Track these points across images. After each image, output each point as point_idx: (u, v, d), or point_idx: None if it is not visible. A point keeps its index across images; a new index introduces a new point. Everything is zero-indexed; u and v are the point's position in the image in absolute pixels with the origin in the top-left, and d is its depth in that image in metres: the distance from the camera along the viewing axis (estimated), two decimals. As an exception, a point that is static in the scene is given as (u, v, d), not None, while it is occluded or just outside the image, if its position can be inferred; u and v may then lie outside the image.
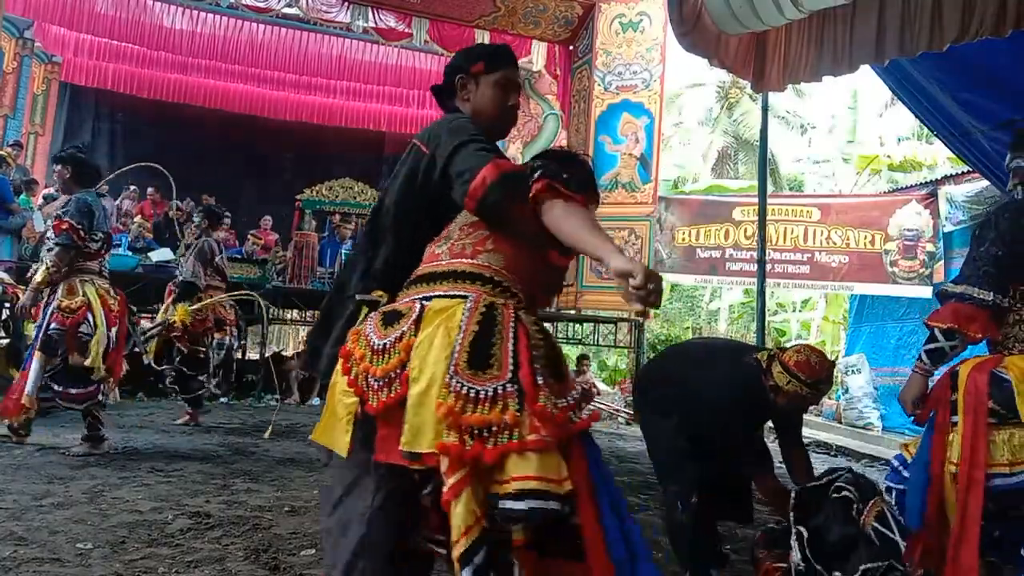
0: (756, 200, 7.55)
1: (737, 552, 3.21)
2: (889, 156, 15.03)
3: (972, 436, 2.14)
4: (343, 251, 9.19)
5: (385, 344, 1.53)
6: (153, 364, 5.57)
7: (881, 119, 17.75)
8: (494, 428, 1.41)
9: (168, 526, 3.06)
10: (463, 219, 1.71)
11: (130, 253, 8.25)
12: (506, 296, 1.61)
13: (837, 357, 9.62)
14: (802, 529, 2.34)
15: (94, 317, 4.33)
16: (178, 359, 5.51)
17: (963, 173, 8.75)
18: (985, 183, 7.41)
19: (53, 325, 4.23)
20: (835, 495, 2.35)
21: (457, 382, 1.44)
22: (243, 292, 6.24)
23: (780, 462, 3.01)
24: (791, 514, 2.41)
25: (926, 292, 9.07)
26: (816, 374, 2.56)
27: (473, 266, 1.63)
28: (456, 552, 1.39)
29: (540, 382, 1.47)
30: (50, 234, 4.41)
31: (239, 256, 9.51)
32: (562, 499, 1.40)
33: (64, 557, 2.59)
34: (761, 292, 6.96)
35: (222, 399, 7.40)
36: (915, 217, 9.39)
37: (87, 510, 3.19)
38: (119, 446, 4.70)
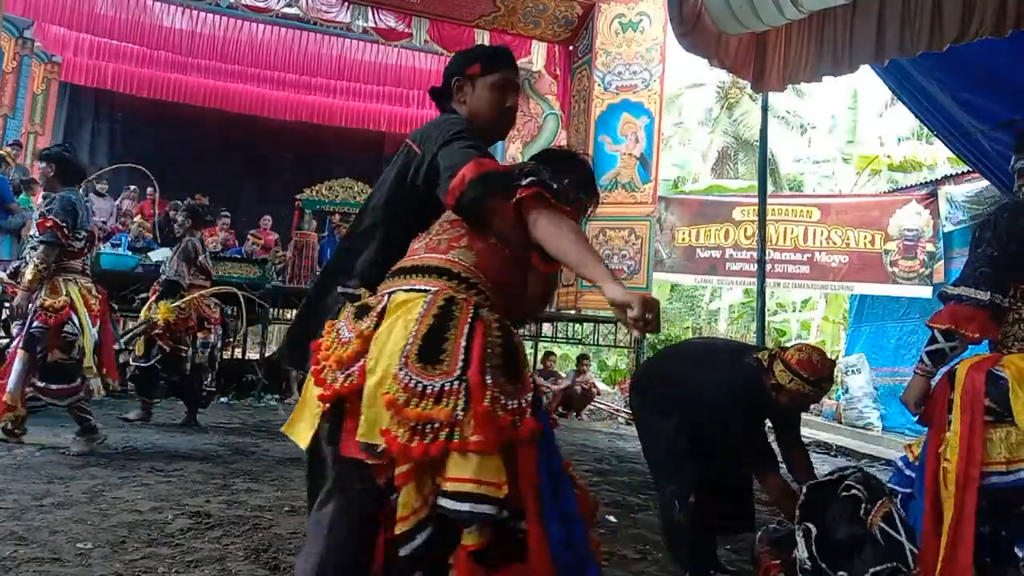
0: (756, 200, 7.56)
1: (737, 552, 3.21)
2: (889, 156, 15.04)
3: (968, 434, 2.14)
4: (342, 251, 9.17)
5: (350, 336, 1.54)
6: (133, 362, 5.56)
7: (881, 119, 17.78)
8: (436, 425, 1.39)
9: (168, 526, 3.06)
10: (446, 215, 1.71)
11: (130, 253, 8.24)
12: (472, 293, 1.59)
13: (837, 357, 9.62)
14: (810, 526, 2.34)
15: (79, 317, 4.33)
16: (159, 357, 5.50)
17: (963, 173, 8.75)
18: (985, 183, 7.41)
19: (36, 324, 4.23)
20: (844, 493, 2.35)
21: (405, 374, 1.43)
22: (225, 288, 6.21)
23: (780, 462, 3.01)
24: (798, 511, 2.41)
25: (926, 292, 9.08)
26: (818, 372, 2.57)
27: (444, 261, 1.62)
28: (397, 530, 1.40)
29: (489, 381, 1.44)
30: (33, 232, 4.40)
31: (239, 256, 9.50)
32: (500, 503, 1.37)
33: (64, 557, 2.59)
34: (761, 292, 6.96)
35: (222, 399, 7.40)
36: (915, 217, 9.39)
37: (87, 510, 3.19)
38: (119, 446, 4.70)
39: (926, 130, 9.99)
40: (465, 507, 1.36)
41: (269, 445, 5.11)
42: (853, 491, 2.34)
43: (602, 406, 9.84)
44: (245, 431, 5.79)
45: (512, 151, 11.29)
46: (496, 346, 1.51)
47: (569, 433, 7.64)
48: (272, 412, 7.12)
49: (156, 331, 5.46)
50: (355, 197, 9.37)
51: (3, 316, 6.65)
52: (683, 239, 10.35)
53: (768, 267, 8.08)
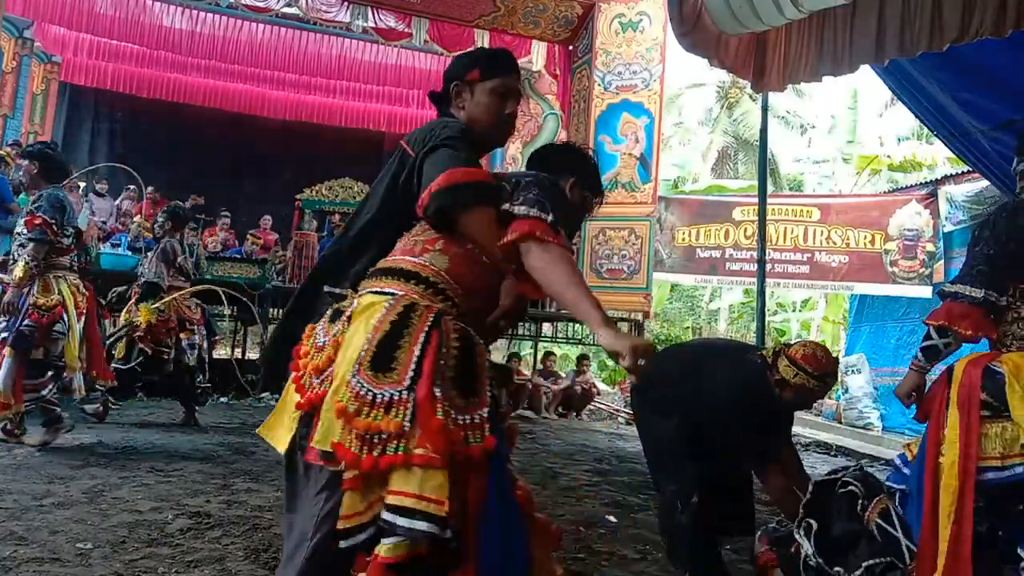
0: (756, 200, 7.55)
1: (737, 552, 3.21)
2: (889, 156, 15.04)
3: (965, 429, 2.15)
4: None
5: (325, 341, 1.53)
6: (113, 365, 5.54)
7: (881, 119, 17.78)
8: (385, 436, 1.37)
9: (168, 526, 3.06)
10: None
11: (130, 253, 8.24)
12: (438, 299, 1.56)
13: (837, 357, 9.61)
14: (812, 521, 2.34)
15: (68, 316, 4.35)
16: (139, 360, 5.49)
17: (963, 173, 8.75)
18: (985, 183, 7.41)
19: (27, 322, 4.24)
20: (841, 490, 2.36)
21: (357, 382, 1.41)
22: (206, 287, 6.20)
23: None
24: (803, 509, 2.42)
25: (926, 292, 9.08)
26: (823, 367, 2.58)
27: (415, 264, 1.59)
28: (339, 525, 1.38)
29: (438, 394, 1.40)
30: (20, 229, 4.39)
31: (239, 256, 9.50)
32: (441, 522, 1.34)
33: (64, 557, 2.59)
34: (761, 292, 6.96)
35: (222, 399, 7.40)
36: (915, 217, 9.39)
37: (87, 510, 3.19)
38: (119, 446, 4.70)
39: (926, 130, 9.99)
40: (402, 522, 1.33)
41: (269, 445, 5.09)
42: (850, 487, 2.35)
43: (602, 406, 9.84)
44: (245, 431, 5.79)
45: (512, 151, 11.30)
46: (451, 357, 1.47)
47: (569, 433, 7.64)
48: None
49: (137, 333, 5.45)
50: (355, 197, 9.38)
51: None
52: (683, 239, 10.34)
53: (768, 267, 8.07)
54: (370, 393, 1.40)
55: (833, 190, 16.37)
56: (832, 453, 7.85)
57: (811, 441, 8.19)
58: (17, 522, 2.93)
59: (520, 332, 10.55)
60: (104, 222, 9.52)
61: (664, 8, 6.90)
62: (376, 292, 1.56)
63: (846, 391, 9.59)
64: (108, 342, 5.41)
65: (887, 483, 2.52)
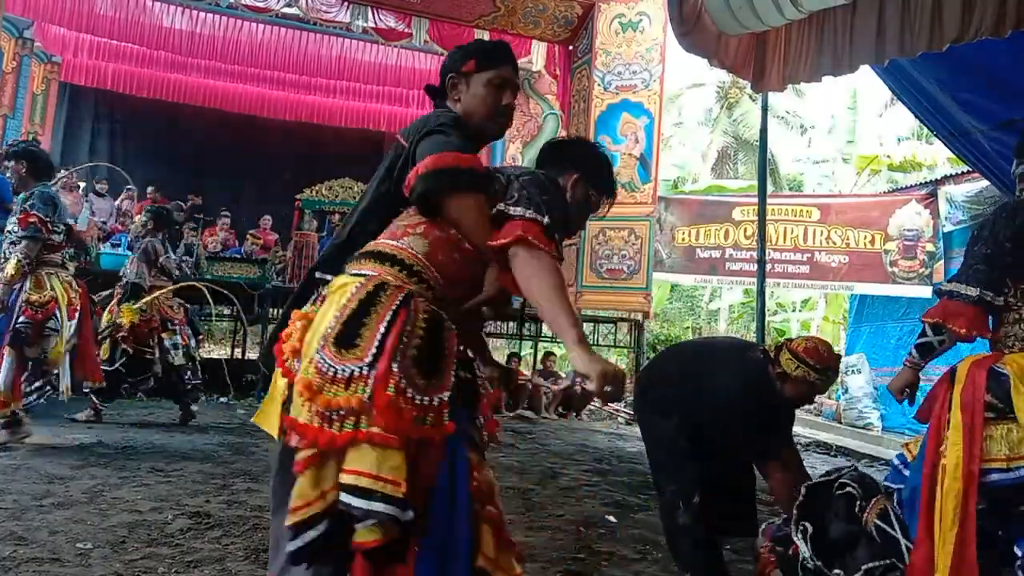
0: (756, 200, 7.55)
1: (737, 552, 3.21)
2: (889, 156, 15.04)
3: (969, 430, 2.14)
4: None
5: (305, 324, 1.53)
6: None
7: (881, 119, 17.77)
8: (343, 412, 1.35)
9: (168, 526, 3.06)
10: None
11: (130, 253, 8.24)
12: (412, 281, 1.54)
13: (839, 354, 9.61)
14: (807, 524, 2.34)
15: (60, 312, 4.35)
16: (123, 360, 5.49)
17: (963, 173, 8.76)
18: (985, 183, 7.41)
19: (23, 319, 4.25)
20: (839, 491, 2.35)
21: (320, 358, 1.41)
22: (187, 283, 6.18)
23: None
24: (796, 511, 2.42)
25: (926, 292, 9.08)
26: (824, 361, 2.60)
27: (393, 248, 1.59)
28: (288, 520, 1.35)
29: (395, 369, 1.38)
30: (12, 227, 4.38)
31: (239, 256, 9.51)
32: (400, 503, 1.32)
33: (64, 557, 2.59)
34: (761, 292, 6.95)
35: (222, 399, 7.40)
36: (915, 217, 9.39)
37: (87, 510, 3.19)
38: (119, 446, 4.70)
39: (926, 130, 9.99)
40: (359, 503, 1.31)
41: (269, 445, 5.09)
42: (848, 489, 2.34)
43: (602, 406, 9.84)
44: (245, 431, 5.79)
45: (512, 151, 11.31)
46: (416, 337, 1.44)
47: (569, 433, 7.64)
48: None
49: (120, 333, 5.45)
50: (355, 197, 9.38)
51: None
52: (683, 239, 10.34)
53: (768, 267, 8.07)
54: (332, 369, 1.39)
55: (833, 190, 16.37)
56: (832, 453, 7.84)
57: (811, 441, 8.19)
58: (17, 522, 2.93)
59: (520, 332, 10.56)
60: (104, 222, 9.52)
61: (664, 8, 6.90)
62: (352, 274, 1.57)
63: (846, 391, 9.59)
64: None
65: (884, 483, 2.52)
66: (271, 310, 8.23)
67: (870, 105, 17.64)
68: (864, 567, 2.17)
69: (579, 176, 1.85)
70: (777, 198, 11.06)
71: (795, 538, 2.39)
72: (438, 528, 1.38)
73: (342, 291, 1.50)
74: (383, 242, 1.62)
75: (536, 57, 10.85)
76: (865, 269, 9.70)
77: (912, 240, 9.39)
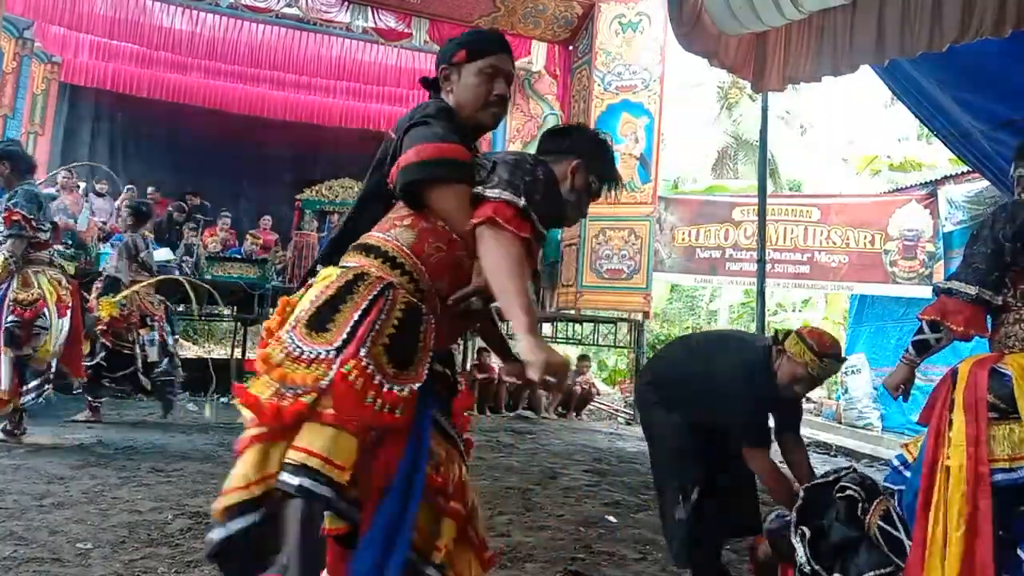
0: (756, 200, 7.56)
1: (737, 552, 3.21)
2: (889, 156, 15.05)
3: (975, 431, 2.14)
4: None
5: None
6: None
7: (881, 119, 17.76)
8: (298, 390, 1.34)
9: (168, 526, 3.06)
10: None
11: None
12: (395, 272, 1.53)
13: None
14: (805, 529, 2.34)
15: (49, 310, 4.36)
16: (102, 355, 5.49)
17: (963, 173, 8.75)
18: (985, 183, 7.41)
19: (11, 318, 4.25)
20: (839, 495, 2.35)
21: (289, 338, 1.41)
22: (169, 277, 6.17)
23: (781, 461, 3.01)
24: (795, 514, 2.41)
25: (926, 292, 9.06)
26: (824, 347, 2.64)
27: (379, 240, 1.59)
28: (218, 502, 1.32)
29: (362, 354, 1.36)
30: None
31: (239, 256, 9.51)
32: (340, 489, 1.29)
33: (64, 557, 2.59)
34: (761, 292, 6.96)
35: (222, 399, 7.40)
36: (915, 217, 9.39)
37: (87, 510, 3.19)
38: (119, 446, 4.70)
39: (926, 130, 9.99)
40: (304, 482, 1.27)
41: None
42: (849, 492, 2.34)
43: (602, 406, 9.84)
44: (245, 431, 5.79)
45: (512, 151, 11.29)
46: (391, 326, 1.44)
47: (569, 433, 7.64)
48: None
49: (100, 327, 5.45)
50: (354, 197, 9.36)
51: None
52: (683, 239, 10.34)
53: (768, 267, 8.07)
54: (298, 349, 1.39)
55: (833, 190, 16.37)
56: (832, 453, 7.85)
57: (811, 441, 8.18)
58: (17, 522, 2.93)
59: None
60: (104, 222, 9.51)
61: (664, 8, 6.90)
62: (339, 266, 1.58)
63: (846, 391, 9.59)
64: None
65: (885, 484, 2.52)
66: (271, 310, 8.23)
67: (870, 105, 17.65)
68: (869, 574, 2.16)
69: (580, 162, 1.80)
70: (777, 198, 11.05)
71: (793, 541, 2.38)
72: (388, 519, 1.36)
73: (324, 281, 1.52)
74: (371, 235, 1.63)
75: (536, 57, 10.84)
76: (865, 269, 9.70)
77: (912, 240, 9.39)
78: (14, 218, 4.25)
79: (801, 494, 2.49)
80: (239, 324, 9.08)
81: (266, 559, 1.34)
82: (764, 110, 7.08)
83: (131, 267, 5.72)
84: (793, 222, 10.05)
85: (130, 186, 10.58)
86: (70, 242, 7.75)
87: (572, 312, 9.51)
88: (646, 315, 9.60)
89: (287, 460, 1.31)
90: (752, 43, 5.28)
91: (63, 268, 4.80)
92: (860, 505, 2.30)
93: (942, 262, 9.09)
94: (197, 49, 11.30)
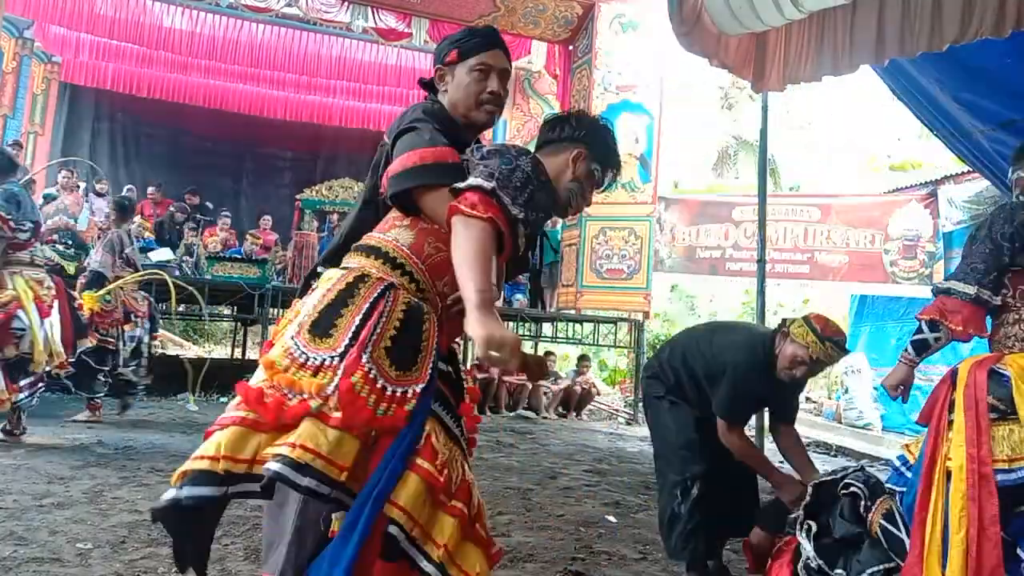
0: (756, 200, 7.55)
1: (737, 552, 3.21)
2: (889, 156, 15.05)
3: (975, 432, 2.14)
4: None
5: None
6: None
7: (881, 119, 17.75)
8: (304, 396, 1.35)
9: (168, 526, 3.06)
10: None
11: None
12: (395, 273, 1.54)
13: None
14: (812, 524, 2.35)
15: (27, 311, 4.30)
16: (85, 349, 5.47)
17: (963, 173, 8.76)
18: (985, 183, 7.42)
19: None
20: (843, 492, 2.36)
21: (294, 344, 1.42)
22: (151, 273, 6.16)
23: (781, 462, 3.01)
24: (802, 511, 2.42)
25: (926, 292, 9.04)
26: (828, 331, 2.65)
27: (379, 241, 1.61)
28: (191, 463, 1.32)
29: (364, 360, 1.38)
30: None
31: (239, 256, 9.51)
32: (338, 487, 1.31)
33: (64, 557, 2.59)
34: (761, 292, 6.95)
35: (221, 399, 7.41)
36: (915, 217, 9.40)
37: (87, 510, 3.19)
38: (119, 446, 4.70)
39: (926, 130, 9.99)
40: (276, 466, 1.27)
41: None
42: (852, 489, 2.34)
43: (602, 406, 9.84)
44: (245, 431, 5.79)
45: (512, 151, 11.30)
46: (392, 327, 1.45)
47: (569, 433, 7.64)
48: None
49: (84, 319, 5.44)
50: (354, 197, 9.36)
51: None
52: (683, 239, 10.34)
53: (768, 267, 8.07)
54: (304, 355, 1.40)
55: (833, 190, 16.37)
56: (832, 453, 7.84)
57: (811, 441, 8.19)
58: (17, 522, 2.93)
59: (520, 332, 10.56)
60: (104, 222, 9.51)
61: (664, 8, 6.90)
62: (341, 268, 1.59)
63: (846, 391, 9.59)
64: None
65: (887, 485, 2.52)
66: (271, 310, 8.23)
67: (870, 105, 17.64)
68: (868, 571, 2.17)
69: (581, 149, 1.74)
70: (777, 198, 11.06)
71: (799, 536, 2.39)
72: (355, 509, 1.36)
73: (326, 284, 1.53)
74: (372, 235, 1.64)
75: (536, 57, 10.85)
76: (865, 269, 9.71)
77: (912, 240, 9.39)
78: None
79: (809, 491, 2.49)
80: (239, 324, 9.08)
81: (203, 541, 1.40)
82: (764, 110, 7.07)
83: (115, 263, 5.70)
84: (793, 222, 10.05)
85: (130, 186, 10.60)
86: (70, 242, 7.74)
87: (572, 312, 9.51)
88: (646, 315, 9.61)
89: (288, 455, 1.30)
90: (752, 43, 5.28)
91: (61, 267, 4.77)
92: (863, 503, 2.30)
93: (942, 262, 9.09)
94: (197, 49, 11.31)
